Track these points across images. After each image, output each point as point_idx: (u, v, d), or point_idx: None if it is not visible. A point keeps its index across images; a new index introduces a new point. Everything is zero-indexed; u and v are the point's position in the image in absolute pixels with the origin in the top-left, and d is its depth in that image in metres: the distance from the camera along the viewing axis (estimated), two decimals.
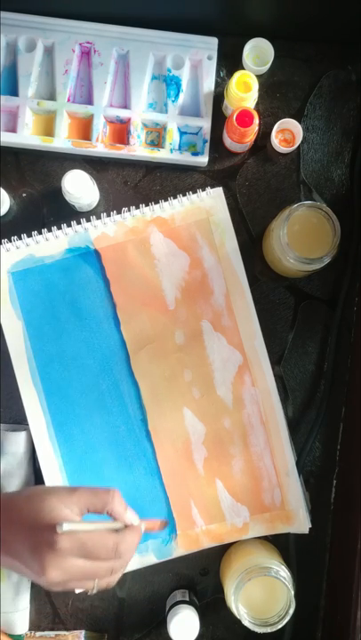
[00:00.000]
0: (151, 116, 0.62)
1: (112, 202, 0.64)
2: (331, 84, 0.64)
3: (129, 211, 0.61)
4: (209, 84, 0.63)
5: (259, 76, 0.62)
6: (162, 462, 0.61)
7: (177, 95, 0.63)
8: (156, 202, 0.61)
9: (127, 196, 0.64)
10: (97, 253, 0.61)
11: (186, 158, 0.62)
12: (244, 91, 0.59)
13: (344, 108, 0.64)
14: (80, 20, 0.62)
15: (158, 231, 0.61)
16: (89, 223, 0.61)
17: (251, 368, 0.61)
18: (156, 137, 0.64)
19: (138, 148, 0.62)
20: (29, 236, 0.61)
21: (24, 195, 0.64)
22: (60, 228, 0.61)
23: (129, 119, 0.63)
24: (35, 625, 0.62)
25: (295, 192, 0.64)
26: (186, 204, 0.61)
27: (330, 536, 0.63)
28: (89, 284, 0.61)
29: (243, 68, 0.63)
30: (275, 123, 0.62)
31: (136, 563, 0.61)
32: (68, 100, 0.62)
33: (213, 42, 0.63)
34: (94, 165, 0.64)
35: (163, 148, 0.62)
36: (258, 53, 0.63)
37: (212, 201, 0.61)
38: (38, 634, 0.61)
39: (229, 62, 0.64)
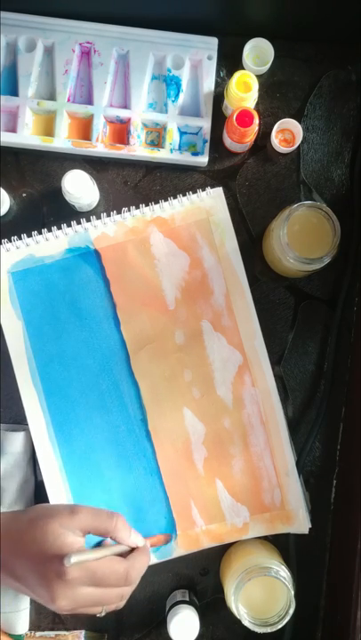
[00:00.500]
0: (151, 116, 0.62)
1: (112, 202, 0.64)
2: (331, 84, 0.64)
3: (129, 211, 0.61)
4: (209, 84, 0.63)
5: (259, 76, 0.62)
6: (162, 462, 0.61)
7: (177, 95, 0.63)
8: (156, 202, 0.61)
9: (127, 196, 0.64)
10: (97, 253, 0.61)
11: (186, 158, 0.62)
12: (244, 91, 0.59)
13: (344, 108, 0.64)
14: (80, 20, 0.62)
15: (158, 231, 0.61)
16: (89, 223, 0.61)
17: (251, 368, 0.61)
18: (156, 137, 0.64)
19: (138, 148, 0.62)
20: (29, 236, 0.61)
21: (24, 195, 0.64)
22: (60, 228, 0.61)
23: (129, 119, 0.63)
24: (35, 625, 0.62)
25: (295, 192, 0.64)
26: (186, 204, 0.61)
27: (330, 536, 0.63)
28: (89, 284, 0.61)
29: (243, 68, 0.63)
30: (275, 123, 0.62)
31: None
32: (68, 100, 0.62)
33: (213, 42, 0.63)
34: (94, 165, 0.64)
35: (163, 147, 0.62)
36: (258, 53, 0.63)
37: (212, 201, 0.61)
38: (38, 634, 0.61)
39: (229, 62, 0.64)
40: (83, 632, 0.61)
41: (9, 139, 0.62)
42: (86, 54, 0.63)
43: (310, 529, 0.61)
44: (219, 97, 0.63)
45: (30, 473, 0.61)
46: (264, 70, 0.63)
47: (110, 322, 0.61)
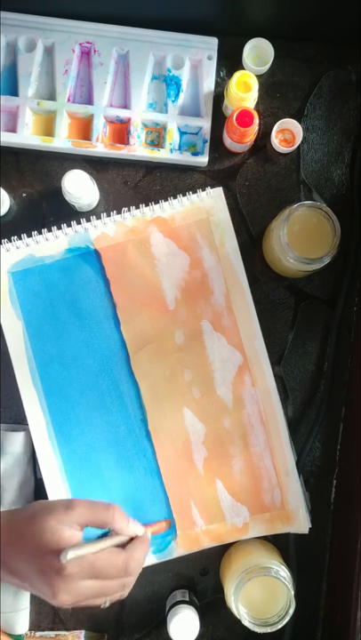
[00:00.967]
0: (151, 116, 0.62)
1: (112, 202, 0.64)
2: (331, 84, 0.64)
3: (129, 211, 0.61)
4: (209, 84, 0.63)
5: (259, 76, 0.62)
6: (162, 462, 0.61)
7: (177, 95, 0.63)
8: (156, 202, 0.61)
9: (127, 196, 0.64)
10: (97, 253, 0.61)
11: (186, 158, 0.62)
12: (244, 91, 0.59)
13: (344, 107, 0.64)
14: (80, 20, 0.62)
15: (158, 231, 0.61)
16: (89, 223, 0.61)
17: (251, 368, 0.61)
18: (156, 137, 0.64)
19: (138, 148, 0.62)
20: (29, 236, 0.61)
21: (24, 195, 0.64)
22: (60, 228, 0.61)
23: (129, 119, 0.63)
24: (35, 625, 0.62)
25: (295, 192, 0.64)
26: (186, 204, 0.61)
27: (330, 536, 0.63)
28: (89, 284, 0.61)
29: (243, 68, 0.63)
30: (275, 123, 0.62)
31: None
32: (68, 100, 0.62)
33: (213, 42, 0.63)
34: (94, 165, 0.64)
35: (163, 147, 0.62)
36: (258, 53, 0.63)
37: (212, 201, 0.61)
38: (38, 634, 0.61)
39: (229, 62, 0.64)
40: (83, 632, 0.61)
41: (9, 139, 0.62)
42: (86, 54, 0.63)
43: (310, 529, 0.61)
44: (219, 97, 0.63)
45: (30, 473, 0.61)
46: (264, 70, 0.63)
47: (110, 322, 0.61)
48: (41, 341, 0.61)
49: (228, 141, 0.62)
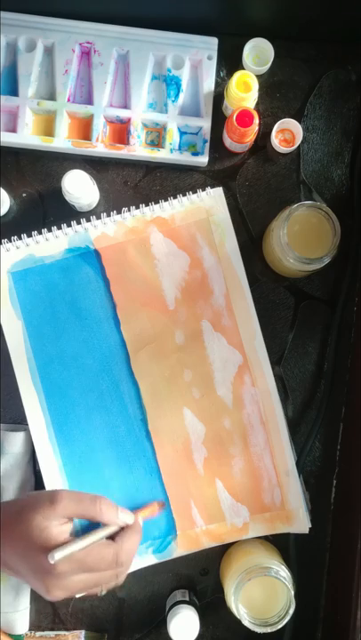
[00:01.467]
0: (151, 116, 0.62)
1: (112, 202, 0.64)
2: (331, 84, 0.64)
3: (129, 211, 0.61)
4: (209, 84, 0.63)
5: (259, 76, 0.62)
6: (162, 462, 0.61)
7: (177, 95, 0.63)
8: (156, 202, 0.61)
9: (127, 196, 0.64)
10: (97, 253, 0.61)
11: (186, 158, 0.62)
12: (244, 91, 0.59)
13: (344, 107, 0.64)
14: (80, 20, 0.62)
15: (158, 231, 0.61)
16: (89, 223, 0.61)
17: (251, 368, 0.61)
18: (156, 137, 0.64)
19: (138, 148, 0.62)
20: (29, 236, 0.61)
21: (24, 195, 0.64)
22: (60, 228, 0.61)
23: (129, 119, 0.63)
24: (35, 625, 0.62)
25: (295, 192, 0.64)
26: (186, 204, 0.61)
27: (330, 536, 0.63)
28: (89, 284, 0.61)
29: (243, 68, 0.63)
30: (275, 123, 0.62)
31: (136, 563, 0.61)
32: (68, 100, 0.62)
33: (213, 42, 0.63)
34: (94, 165, 0.64)
35: (163, 147, 0.62)
36: (258, 53, 0.63)
37: (212, 201, 0.61)
38: (38, 634, 0.61)
39: (229, 62, 0.64)
40: (83, 632, 0.61)
41: (9, 139, 0.62)
42: (86, 54, 0.63)
43: (310, 529, 0.61)
44: (219, 97, 0.63)
45: (30, 473, 0.61)
46: (264, 70, 0.63)
47: (110, 322, 0.61)
48: (41, 341, 0.61)
49: (228, 141, 0.62)
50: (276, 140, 0.62)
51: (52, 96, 0.63)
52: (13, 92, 0.62)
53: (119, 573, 0.51)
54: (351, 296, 0.64)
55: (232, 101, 0.60)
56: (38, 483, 0.62)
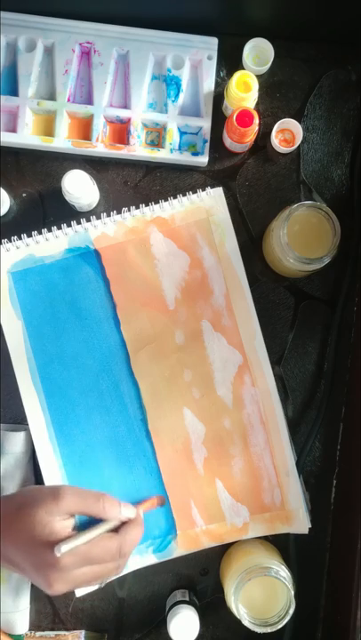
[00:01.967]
0: (151, 116, 0.62)
1: (112, 202, 0.64)
2: (331, 84, 0.64)
3: (129, 211, 0.61)
4: (209, 84, 0.63)
5: (259, 76, 0.62)
6: (162, 462, 0.61)
7: (177, 95, 0.63)
8: (156, 202, 0.61)
9: (127, 195, 0.64)
10: (97, 253, 0.61)
11: (186, 158, 0.62)
12: (244, 91, 0.59)
13: (344, 108, 0.64)
14: (80, 20, 0.62)
15: (158, 231, 0.61)
16: (89, 223, 0.61)
17: (251, 368, 0.61)
18: (156, 137, 0.64)
19: (138, 148, 0.62)
20: (29, 236, 0.61)
21: (24, 195, 0.64)
22: (60, 228, 0.61)
23: (129, 119, 0.63)
24: (35, 625, 0.62)
25: (295, 192, 0.64)
26: (186, 204, 0.61)
27: (330, 536, 0.63)
28: (89, 284, 0.61)
29: (243, 68, 0.63)
30: (275, 123, 0.62)
31: (136, 563, 0.61)
32: (68, 100, 0.62)
33: (213, 42, 0.63)
34: (94, 165, 0.64)
35: (163, 147, 0.62)
36: (258, 53, 0.63)
37: (212, 201, 0.61)
38: (38, 634, 0.61)
39: (229, 62, 0.64)
40: (83, 632, 0.61)
41: (9, 139, 0.62)
42: (86, 54, 0.63)
43: (310, 529, 0.61)
44: (219, 97, 0.63)
45: (31, 473, 0.61)
46: (264, 70, 0.63)
47: (110, 322, 0.61)
48: (41, 341, 0.61)
49: (228, 141, 0.62)
50: (276, 140, 0.62)
51: (52, 96, 0.63)
52: (13, 92, 0.62)
53: (121, 565, 0.51)
54: (351, 296, 0.64)
55: (232, 101, 0.60)
56: (38, 482, 0.62)
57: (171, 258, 0.61)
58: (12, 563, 0.49)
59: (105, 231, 0.61)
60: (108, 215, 0.61)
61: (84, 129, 0.63)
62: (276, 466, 0.61)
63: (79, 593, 0.59)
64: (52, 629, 0.62)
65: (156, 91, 0.64)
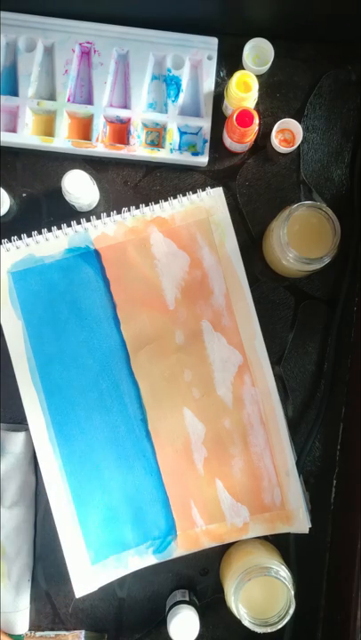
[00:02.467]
0: (151, 116, 0.62)
1: (112, 202, 0.64)
2: (331, 84, 0.64)
3: (129, 211, 0.61)
4: (209, 84, 0.63)
5: (259, 76, 0.62)
6: (162, 462, 0.61)
7: (177, 95, 0.63)
8: (156, 202, 0.61)
9: (127, 195, 0.64)
10: (97, 253, 0.61)
11: (186, 158, 0.62)
12: (244, 91, 0.59)
13: (344, 108, 0.64)
14: (80, 20, 0.62)
15: (158, 231, 0.61)
16: (89, 223, 0.61)
17: (251, 368, 0.61)
18: (156, 137, 0.64)
19: (138, 148, 0.62)
20: (29, 236, 0.61)
21: (24, 195, 0.64)
22: (60, 228, 0.61)
23: (129, 119, 0.63)
24: (35, 625, 0.62)
25: (295, 192, 0.64)
26: (186, 204, 0.61)
27: (330, 536, 0.63)
28: (89, 284, 0.61)
29: (243, 68, 0.63)
30: (275, 123, 0.62)
31: (136, 564, 0.61)
32: (68, 100, 0.62)
33: (213, 42, 0.63)
34: (94, 165, 0.64)
35: (163, 147, 0.62)
36: (258, 53, 0.63)
37: (212, 201, 0.61)
38: (38, 634, 0.61)
39: (229, 62, 0.64)
40: (83, 632, 0.61)
41: (9, 139, 0.62)
42: (86, 54, 0.63)
43: (310, 529, 0.61)
44: (219, 97, 0.63)
45: (31, 473, 0.61)
46: (264, 70, 0.63)
47: (110, 322, 0.61)
48: (41, 341, 0.61)
49: (228, 141, 0.62)
50: (276, 140, 0.62)
51: (52, 96, 0.63)
52: (13, 92, 0.62)
53: None
54: (351, 296, 0.64)
55: (232, 101, 0.60)
56: (38, 483, 0.62)
57: (171, 258, 0.61)
58: None
59: (105, 231, 0.61)
60: (108, 215, 0.61)
61: (84, 129, 0.63)
62: (276, 466, 0.61)
63: (79, 593, 0.59)
64: (52, 629, 0.62)
65: (156, 91, 0.64)
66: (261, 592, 0.56)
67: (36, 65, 0.62)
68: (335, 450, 0.64)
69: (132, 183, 0.64)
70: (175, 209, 0.61)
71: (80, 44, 0.62)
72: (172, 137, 0.62)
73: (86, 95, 0.63)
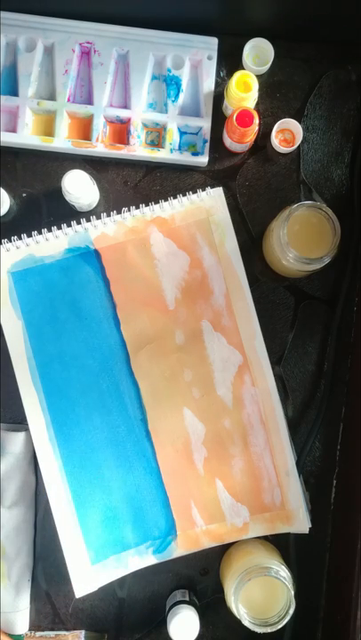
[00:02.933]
0: (151, 116, 0.62)
1: (112, 202, 0.64)
2: (331, 84, 0.64)
3: (129, 211, 0.61)
4: (209, 84, 0.63)
5: (259, 76, 0.62)
6: (162, 462, 0.61)
7: (177, 95, 0.63)
8: (156, 202, 0.61)
9: (127, 195, 0.64)
10: (97, 253, 0.61)
11: (186, 158, 0.62)
12: (244, 91, 0.59)
13: (344, 108, 0.64)
14: (80, 20, 0.62)
15: (158, 231, 0.61)
16: (89, 223, 0.61)
17: (251, 368, 0.61)
18: (156, 137, 0.64)
19: (138, 148, 0.62)
20: (29, 236, 0.61)
21: (24, 195, 0.64)
22: (60, 227, 0.61)
23: (129, 119, 0.63)
24: (35, 625, 0.62)
25: (295, 192, 0.64)
26: (186, 204, 0.61)
27: (330, 536, 0.63)
28: (89, 284, 0.61)
29: (243, 68, 0.63)
30: (275, 123, 0.62)
31: (136, 564, 0.61)
32: (68, 100, 0.62)
33: (213, 42, 0.63)
34: (94, 165, 0.64)
35: (163, 147, 0.62)
36: (258, 53, 0.63)
37: (212, 201, 0.61)
38: (38, 634, 0.61)
39: (229, 62, 0.64)
40: (83, 632, 0.61)
41: (9, 139, 0.62)
42: (86, 54, 0.63)
43: (310, 529, 0.61)
44: (219, 97, 0.63)
45: (31, 473, 0.61)
46: (264, 70, 0.63)
47: (110, 322, 0.61)
48: (41, 341, 0.61)
49: (228, 141, 0.62)
50: (276, 140, 0.62)
51: (52, 96, 0.63)
52: (13, 92, 0.62)
53: None
54: (351, 296, 0.64)
55: (232, 101, 0.60)
56: (38, 483, 0.62)
57: (171, 258, 0.61)
58: None
59: (105, 231, 0.61)
60: (108, 215, 0.61)
61: (84, 129, 0.63)
62: (276, 466, 0.61)
63: (79, 593, 0.59)
64: (52, 629, 0.62)
65: (156, 91, 0.64)
66: (261, 592, 0.56)
67: (36, 65, 0.62)
68: (335, 450, 0.64)
69: (132, 183, 0.64)
70: (175, 209, 0.61)
71: (80, 44, 0.62)
72: (172, 137, 0.62)
73: (86, 95, 0.63)
